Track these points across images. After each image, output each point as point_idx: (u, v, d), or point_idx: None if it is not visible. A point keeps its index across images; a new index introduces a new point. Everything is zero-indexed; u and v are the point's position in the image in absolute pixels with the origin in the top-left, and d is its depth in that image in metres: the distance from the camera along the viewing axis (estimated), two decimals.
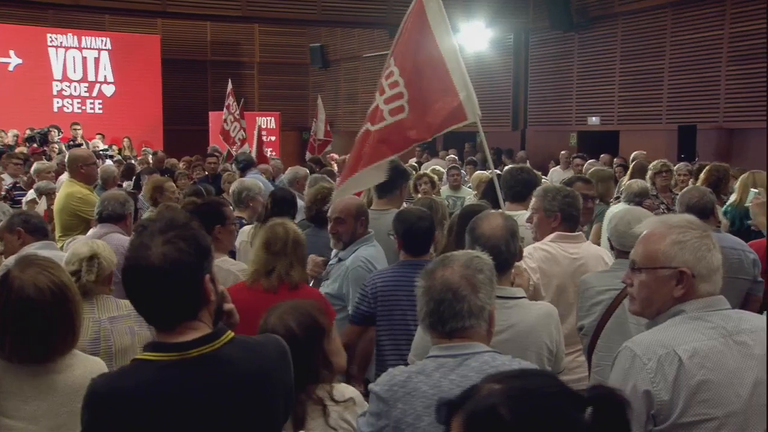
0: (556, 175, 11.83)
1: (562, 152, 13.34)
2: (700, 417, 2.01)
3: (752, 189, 5.07)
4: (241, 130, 12.27)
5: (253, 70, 23.16)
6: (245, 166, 9.40)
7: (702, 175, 6.44)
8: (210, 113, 19.41)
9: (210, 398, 1.83)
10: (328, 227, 4.40)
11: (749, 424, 2.03)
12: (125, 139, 18.84)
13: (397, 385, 2.16)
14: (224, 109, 11.93)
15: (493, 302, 2.24)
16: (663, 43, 14.23)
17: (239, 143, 11.92)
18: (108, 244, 3.72)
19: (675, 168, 7.50)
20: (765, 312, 3.95)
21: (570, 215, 3.94)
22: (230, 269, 4.18)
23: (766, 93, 11.03)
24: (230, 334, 1.90)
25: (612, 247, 3.70)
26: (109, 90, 20.25)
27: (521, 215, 4.93)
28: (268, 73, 23.63)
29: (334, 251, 4.54)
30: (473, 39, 15.97)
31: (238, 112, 12.44)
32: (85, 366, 2.55)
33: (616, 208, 5.67)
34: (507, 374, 1.37)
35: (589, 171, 6.85)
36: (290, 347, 2.04)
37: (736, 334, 2.10)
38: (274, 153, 17.40)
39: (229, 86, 12.38)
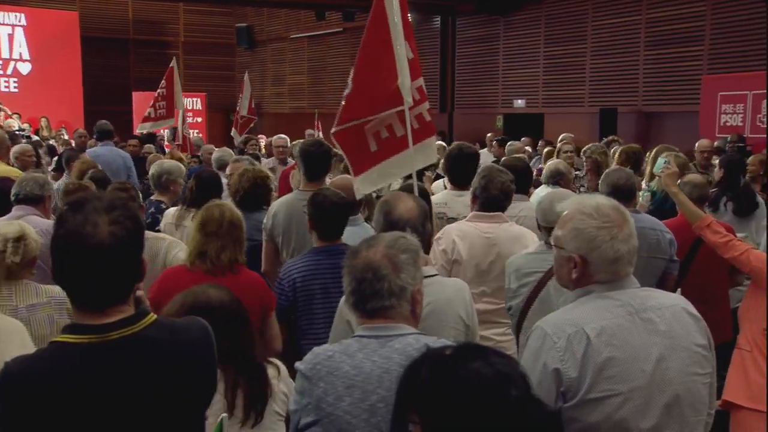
0: (483, 157, 11.98)
1: (488, 135, 13.52)
2: (606, 393, 2.06)
3: (661, 157, 5.05)
4: (163, 109, 11.93)
5: (178, 50, 22.64)
6: (101, 135, 8.87)
7: (616, 157, 6.56)
8: (133, 93, 18.89)
9: (131, 381, 1.78)
10: None
11: (652, 398, 2.10)
12: (43, 119, 18.17)
13: (321, 364, 2.16)
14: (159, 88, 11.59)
15: (417, 283, 2.22)
16: (585, 28, 14.54)
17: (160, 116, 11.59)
18: None
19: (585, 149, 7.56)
20: (678, 290, 4.09)
21: (481, 196, 4.03)
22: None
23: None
24: (153, 316, 1.86)
25: (540, 227, 3.78)
26: (25, 68, 19.50)
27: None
28: (193, 54, 23.14)
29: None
30: None
31: (165, 91, 12.08)
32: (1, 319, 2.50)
33: (540, 191, 5.79)
34: (450, 347, 1.63)
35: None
36: (238, 317, 2.02)
37: (642, 312, 2.16)
38: (200, 134, 17.07)
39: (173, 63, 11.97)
